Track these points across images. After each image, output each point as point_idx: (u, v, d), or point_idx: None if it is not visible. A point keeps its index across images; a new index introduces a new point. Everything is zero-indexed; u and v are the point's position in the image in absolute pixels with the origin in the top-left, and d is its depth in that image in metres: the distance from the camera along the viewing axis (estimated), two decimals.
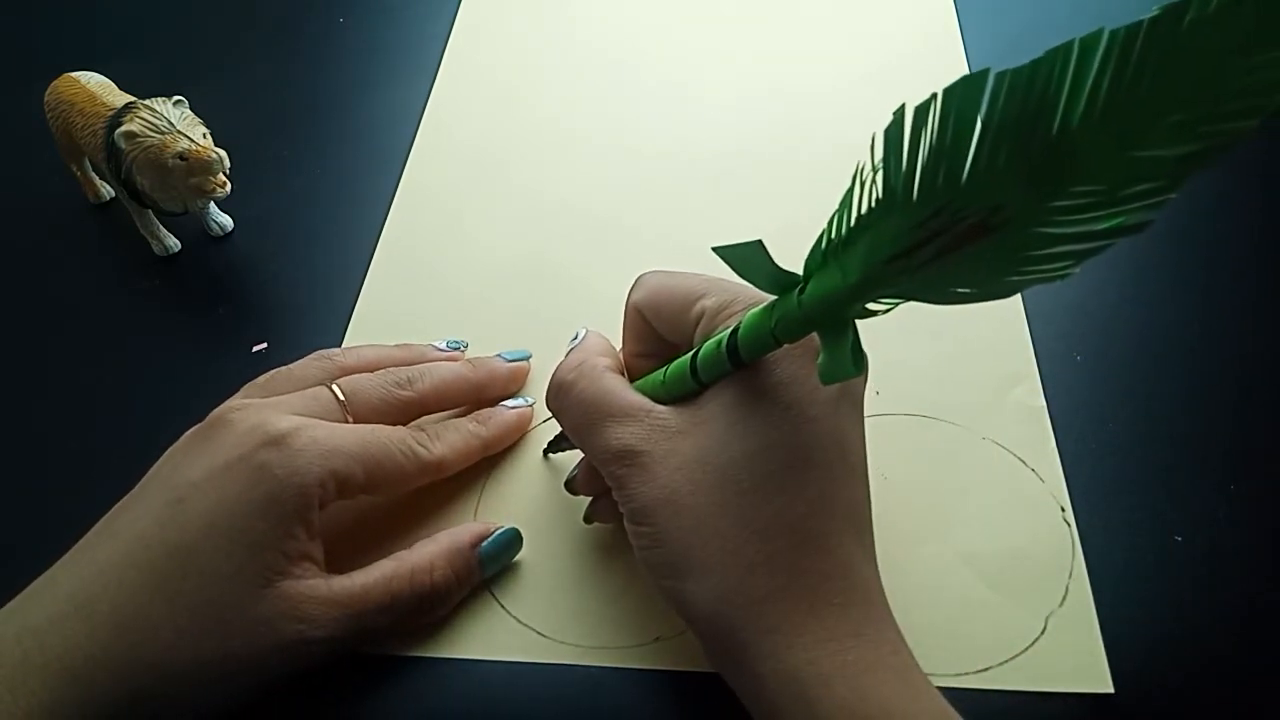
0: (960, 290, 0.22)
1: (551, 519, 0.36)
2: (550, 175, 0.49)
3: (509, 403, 0.38)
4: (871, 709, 0.24)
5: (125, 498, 0.31)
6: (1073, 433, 0.37)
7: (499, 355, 0.39)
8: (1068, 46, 0.17)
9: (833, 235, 0.23)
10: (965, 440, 0.37)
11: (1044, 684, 0.30)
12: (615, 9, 0.58)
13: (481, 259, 0.45)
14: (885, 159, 0.21)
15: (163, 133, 0.41)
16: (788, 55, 0.54)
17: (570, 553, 0.35)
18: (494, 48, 0.56)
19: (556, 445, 0.36)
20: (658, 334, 0.32)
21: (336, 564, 0.31)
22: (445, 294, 0.44)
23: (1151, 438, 0.37)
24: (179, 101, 0.43)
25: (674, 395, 0.30)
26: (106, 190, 0.49)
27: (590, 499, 0.34)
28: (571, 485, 0.35)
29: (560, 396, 0.31)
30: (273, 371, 0.36)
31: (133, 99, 0.44)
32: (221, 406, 0.33)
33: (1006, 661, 0.31)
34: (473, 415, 0.37)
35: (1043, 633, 0.32)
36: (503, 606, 0.33)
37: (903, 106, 0.20)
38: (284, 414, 0.32)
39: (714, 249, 0.26)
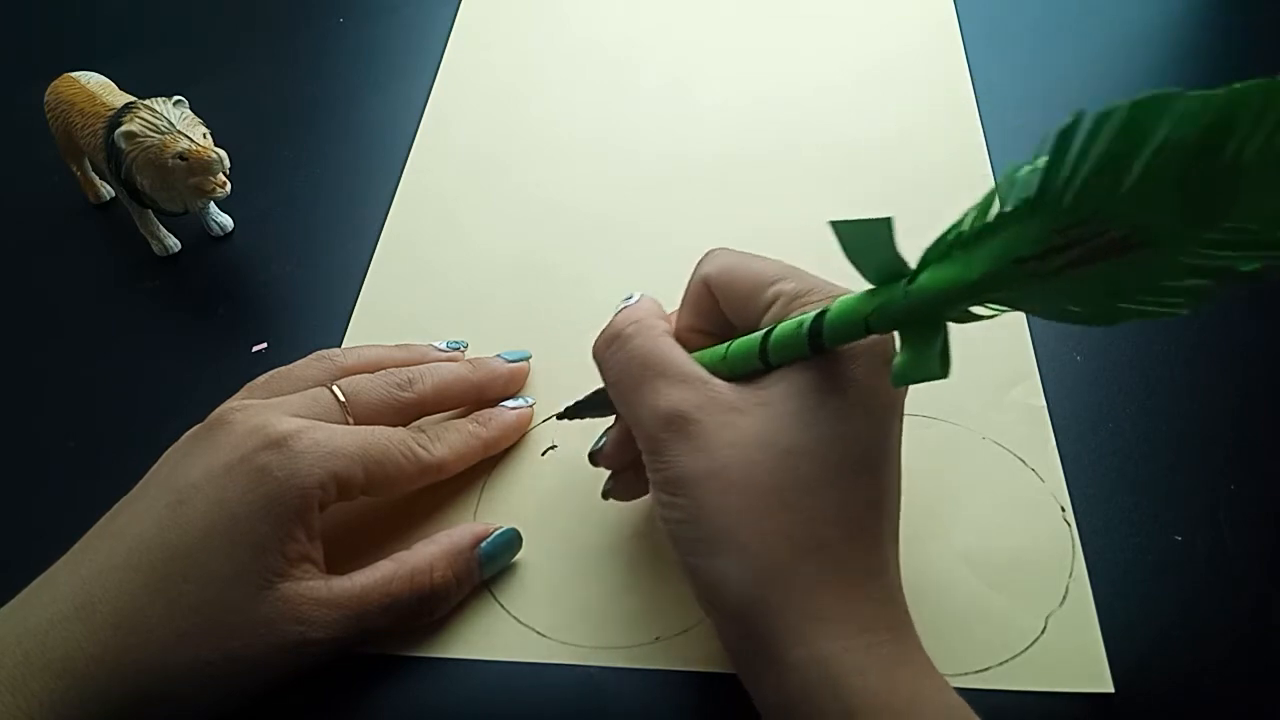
0: (1072, 309, 0.22)
1: (551, 519, 0.36)
2: (550, 175, 0.49)
3: (509, 403, 0.38)
4: (901, 701, 0.24)
5: (125, 498, 0.31)
6: (1073, 433, 0.37)
7: (499, 355, 0.39)
8: (1258, 84, 0.18)
9: (963, 229, 0.23)
10: (965, 440, 0.37)
11: (1044, 684, 0.30)
12: (615, 9, 0.58)
13: (481, 259, 0.45)
14: (1052, 158, 0.20)
15: (163, 133, 0.41)
16: (787, 55, 0.54)
17: (570, 553, 0.35)
18: (494, 48, 0.56)
19: (576, 412, 0.35)
20: (719, 311, 0.31)
21: (336, 565, 0.31)
22: (445, 294, 0.44)
23: (1151, 438, 0.37)
24: (179, 101, 0.43)
25: (734, 372, 0.29)
26: (106, 190, 0.49)
27: (610, 475, 0.34)
28: (595, 457, 0.34)
29: (614, 346, 0.30)
30: (273, 371, 0.36)
31: (133, 99, 0.44)
32: (221, 407, 0.33)
33: (1006, 661, 0.31)
34: (473, 416, 0.37)
35: (1043, 633, 0.32)
36: (503, 606, 0.33)
37: (1082, 110, 0.20)
38: (284, 415, 0.32)
39: (832, 223, 0.25)
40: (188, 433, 0.33)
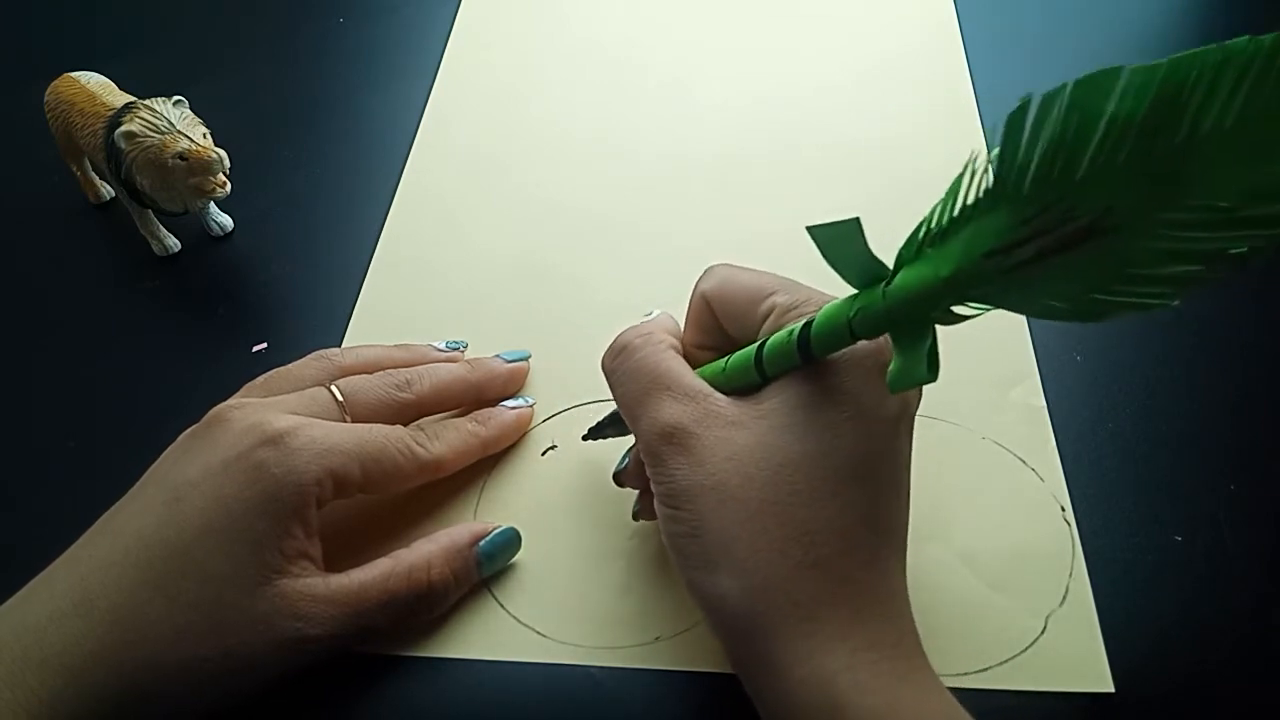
0: (1052, 304, 0.21)
1: (551, 519, 0.36)
2: (550, 175, 0.49)
3: (509, 403, 0.38)
4: None
5: (124, 497, 0.31)
6: (1072, 433, 0.37)
7: (498, 355, 0.39)
8: (1208, 51, 0.17)
9: (931, 226, 0.23)
10: (965, 440, 0.37)
11: (1044, 684, 0.30)
12: (615, 9, 0.58)
13: (481, 259, 0.45)
14: (1003, 146, 0.20)
15: (163, 133, 0.41)
16: (787, 55, 0.54)
17: (570, 553, 0.35)
18: (494, 48, 0.56)
19: (598, 431, 0.35)
20: (721, 327, 0.32)
21: (335, 563, 0.31)
22: (445, 294, 0.44)
23: (1151, 438, 0.37)
24: (179, 101, 0.43)
25: (734, 385, 0.29)
26: (106, 190, 0.49)
27: (638, 495, 0.34)
28: (619, 477, 0.34)
29: (620, 357, 0.31)
30: (271, 371, 0.36)
31: (133, 99, 0.44)
32: (219, 406, 0.33)
33: (1006, 661, 0.31)
34: (472, 415, 0.37)
35: (1043, 632, 0.32)
36: (503, 606, 0.33)
37: (1029, 95, 0.19)
38: (281, 413, 0.32)
39: (809, 228, 0.25)
40: (185, 432, 0.33)
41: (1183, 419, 0.37)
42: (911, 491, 0.35)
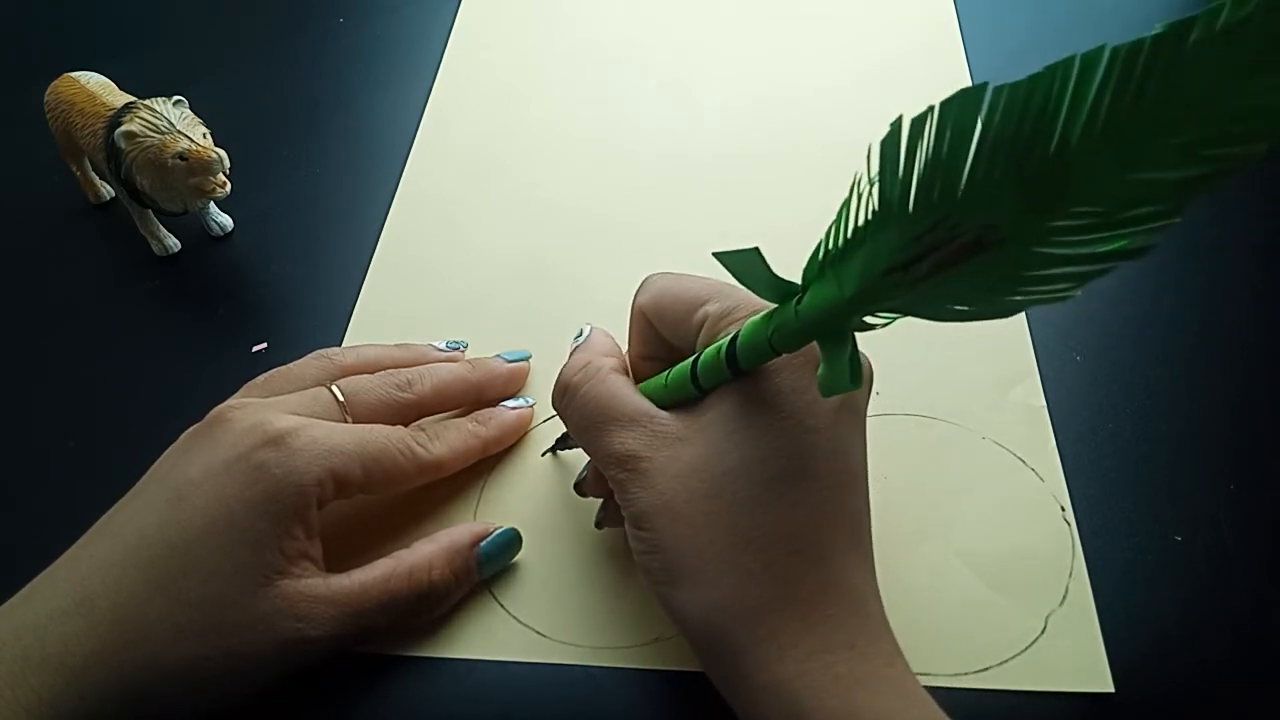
0: (959, 308, 0.21)
1: (551, 519, 0.36)
2: (550, 175, 0.49)
3: (509, 403, 0.38)
4: None
5: (125, 496, 0.31)
6: (1073, 433, 0.37)
7: (499, 355, 0.39)
8: (1068, 62, 0.17)
9: (829, 246, 0.23)
10: (965, 440, 0.37)
11: (1044, 684, 0.30)
12: (615, 9, 0.58)
13: (481, 259, 0.45)
14: (881, 171, 0.20)
15: (163, 133, 0.41)
16: (788, 55, 0.54)
17: (570, 553, 0.35)
18: (494, 48, 0.56)
19: (562, 443, 0.36)
20: (662, 337, 0.32)
21: (336, 563, 0.31)
22: (445, 294, 0.44)
23: (1151, 438, 0.37)
24: (179, 101, 0.43)
25: (676, 400, 0.29)
26: (106, 190, 0.49)
27: (601, 504, 0.34)
28: (580, 487, 0.34)
29: (566, 398, 0.31)
30: (272, 371, 0.36)
31: (133, 99, 0.44)
32: (220, 406, 0.33)
33: (1006, 661, 0.31)
34: (473, 415, 0.37)
35: (1043, 632, 0.32)
36: (503, 606, 0.33)
37: (899, 118, 0.19)
38: (283, 413, 0.32)
39: (714, 254, 0.25)
40: (186, 431, 0.33)
41: (1183, 419, 0.37)
42: (912, 491, 0.35)
